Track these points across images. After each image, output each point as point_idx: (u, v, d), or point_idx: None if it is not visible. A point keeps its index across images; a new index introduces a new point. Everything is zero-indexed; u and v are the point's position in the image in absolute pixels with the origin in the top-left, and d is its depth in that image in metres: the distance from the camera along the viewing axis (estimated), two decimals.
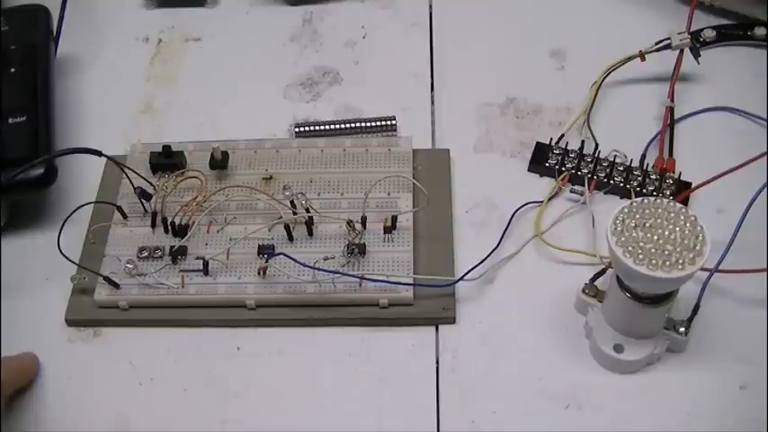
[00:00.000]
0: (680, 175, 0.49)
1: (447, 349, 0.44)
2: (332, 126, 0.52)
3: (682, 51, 0.52)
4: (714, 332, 0.44)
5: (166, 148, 0.49)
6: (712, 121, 0.52)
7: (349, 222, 0.46)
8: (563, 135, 0.51)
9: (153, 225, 0.48)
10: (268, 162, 0.50)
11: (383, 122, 0.52)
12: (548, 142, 0.51)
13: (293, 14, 0.60)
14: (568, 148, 0.50)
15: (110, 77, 0.58)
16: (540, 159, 0.51)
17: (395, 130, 0.52)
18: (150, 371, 0.44)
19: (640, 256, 0.37)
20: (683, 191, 0.48)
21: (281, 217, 0.46)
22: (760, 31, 0.56)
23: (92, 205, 0.49)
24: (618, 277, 0.40)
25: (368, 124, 0.52)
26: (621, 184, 0.49)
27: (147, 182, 0.49)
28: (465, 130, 0.53)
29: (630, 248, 0.37)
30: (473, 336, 0.45)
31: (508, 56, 0.57)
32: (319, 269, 0.44)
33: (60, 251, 0.44)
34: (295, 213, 0.46)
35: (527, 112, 0.54)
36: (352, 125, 0.52)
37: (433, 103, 0.55)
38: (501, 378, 0.43)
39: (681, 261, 0.37)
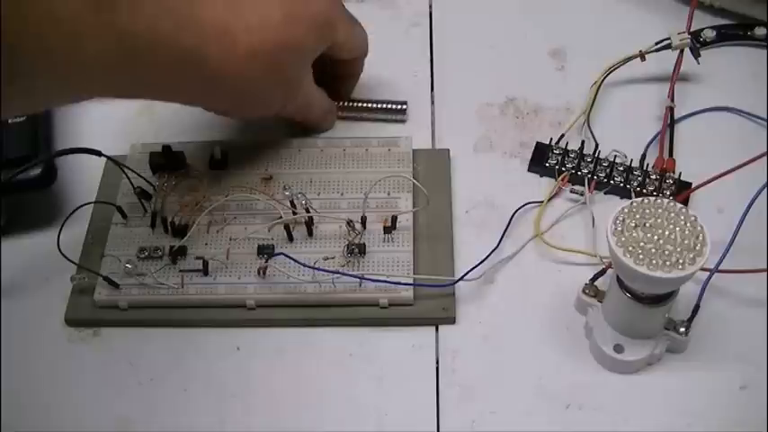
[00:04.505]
0: (680, 175, 0.49)
1: (447, 349, 0.44)
2: (342, 103, 0.53)
3: (682, 51, 0.52)
4: (714, 332, 0.44)
5: (166, 148, 0.49)
6: (712, 121, 0.52)
7: (349, 222, 0.46)
8: (563, 135, 0.51)
9: (153, 225, 0.48)
10: (268, 162, 0.50)
11: (393, 105, 0.52)
12: (548, 142, 0.51)
13: None
14: (568, 148, 0.50)
15: None
16: (540, 159, 0.51)
17: (404, 113, 0.52)
18: (150, 371, 0.44)
19: (640, 257, 0.37)
20: (683, 191, 0.48)
21: (280, 217, 0.46)
22: (760, 31, 0.56)
23: (92, 205, 0.49)
24: (618, 277, 0.40)
25: (377, 105, 0.52)
26: (621, 184, 0.49)
27: (147, 182, 0.48)
28: (465, 130, 0.53)
29: (630, 248, 0.37)
30: (473, 336, 0.45)
31: (508, 56, 0.57)
32: (319, 269, 0.44)
33: (60, 251, 0.44)
34: (295, 213, 0.46)
35: (527, 112, 0.54)
36: (362, 104, 0.52)
37: (433, 103, 0.55)
38: (501, 378, 0.43)
39: (681, 261, 0.37)
